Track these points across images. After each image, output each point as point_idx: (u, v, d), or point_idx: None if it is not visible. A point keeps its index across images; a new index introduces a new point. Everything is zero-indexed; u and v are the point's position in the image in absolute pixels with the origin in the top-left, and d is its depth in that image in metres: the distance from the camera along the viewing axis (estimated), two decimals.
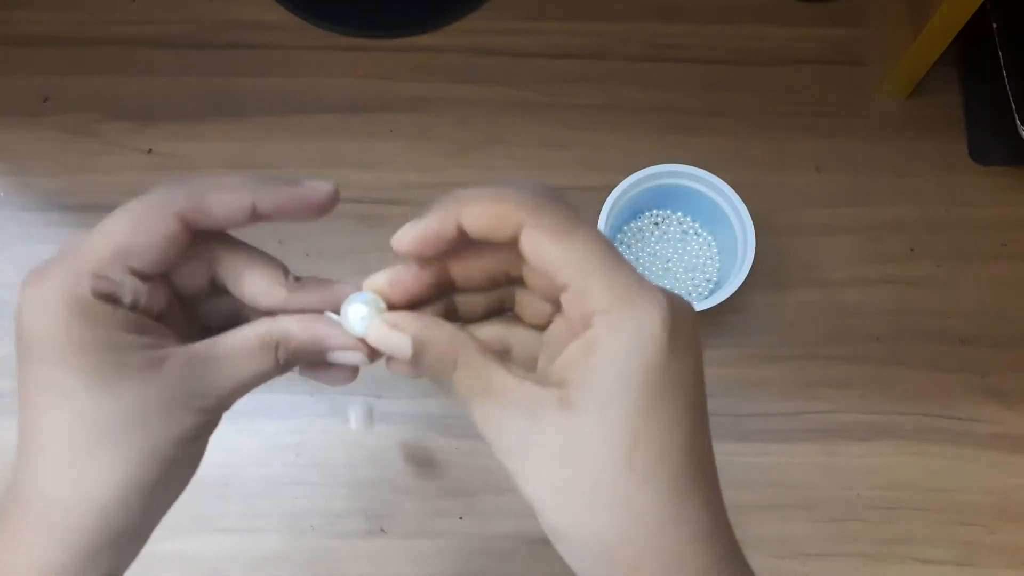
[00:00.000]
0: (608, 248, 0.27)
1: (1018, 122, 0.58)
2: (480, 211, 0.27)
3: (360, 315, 0.29)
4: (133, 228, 0.28)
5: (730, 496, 0.59)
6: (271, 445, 0.57)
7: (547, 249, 0.27)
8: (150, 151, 0.64)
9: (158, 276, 0.29)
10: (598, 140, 0.64)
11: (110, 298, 0.27)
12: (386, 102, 0.65)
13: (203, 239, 0.29)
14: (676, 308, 0.27)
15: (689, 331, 0.27)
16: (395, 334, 0.28)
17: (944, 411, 0.58)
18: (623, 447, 0.26)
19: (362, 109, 0.65)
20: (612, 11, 0.68)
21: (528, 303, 0.31)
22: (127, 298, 0.28)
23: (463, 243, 0.29)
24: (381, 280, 0.30)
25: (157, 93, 0.66)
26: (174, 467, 0.29)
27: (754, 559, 0.57)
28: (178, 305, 0.30)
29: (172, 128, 0.64)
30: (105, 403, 0.27)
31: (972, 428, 0.57)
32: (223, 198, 0.28)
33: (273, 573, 0.54)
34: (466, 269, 0.30)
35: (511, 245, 0.27)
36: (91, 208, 0.63)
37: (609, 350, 0.26)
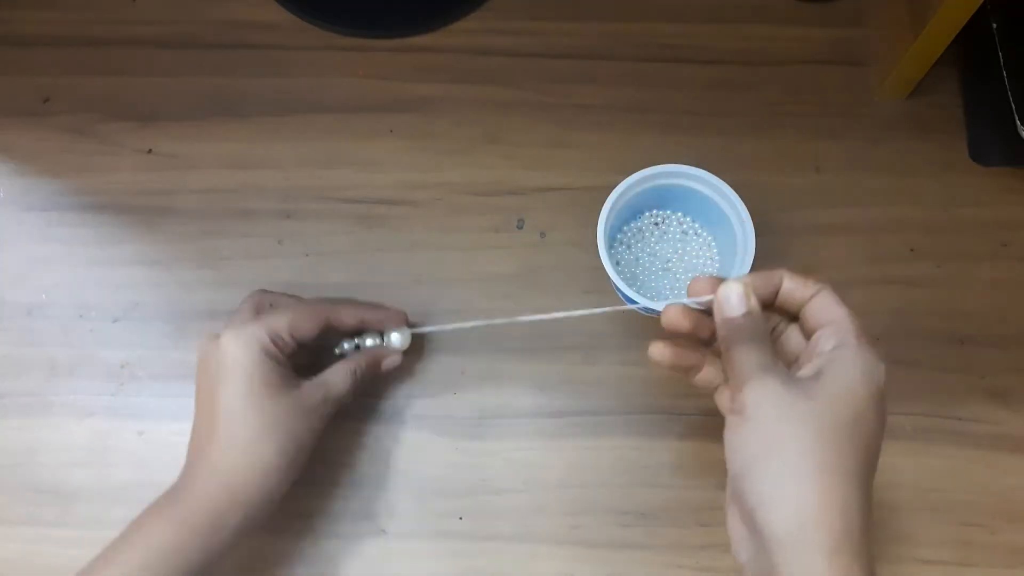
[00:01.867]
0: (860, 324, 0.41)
1: (1018, 122, 0.58)
2: (795, 278, 0.42)
3: None
4: (301, 317, 0.50)
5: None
6: None
7: (834, 302, 0.42)
8: (150, 151, 0.64)
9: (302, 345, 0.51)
10: (598, 140, 0.64)
11: (282, 350, 0.49)
12: (386, 102, 0.65)
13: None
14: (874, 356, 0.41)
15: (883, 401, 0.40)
16: (743, 297, 0.41)
17: (944, 411, 0.58)
18: (850, 417, 0.38)
19: (362, 109, 0.65)
20: (612, 11, 0.68)
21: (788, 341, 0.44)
22: (287, 351, 0.49)
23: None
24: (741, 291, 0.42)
25: (157, 93, 0.66)
26: (305, 448, 0.49)
27: None
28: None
29: (172, 128, 0.65)
30: (275, 407, 0.47)
31: (972, 428, 0.57)
32: (349, 311, 0.53)
33: (273, 573, 0.54)
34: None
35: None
36: (91, 208, 0.63)
37: (857, 362, 0.39)
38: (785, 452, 0.37)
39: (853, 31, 0.67)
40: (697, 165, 0.56)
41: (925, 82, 0.63)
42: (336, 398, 0.51)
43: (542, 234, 0.62)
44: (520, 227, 0.62)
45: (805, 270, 0.60)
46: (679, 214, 0.60)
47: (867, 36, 0.67)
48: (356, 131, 0.65)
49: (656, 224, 0.60)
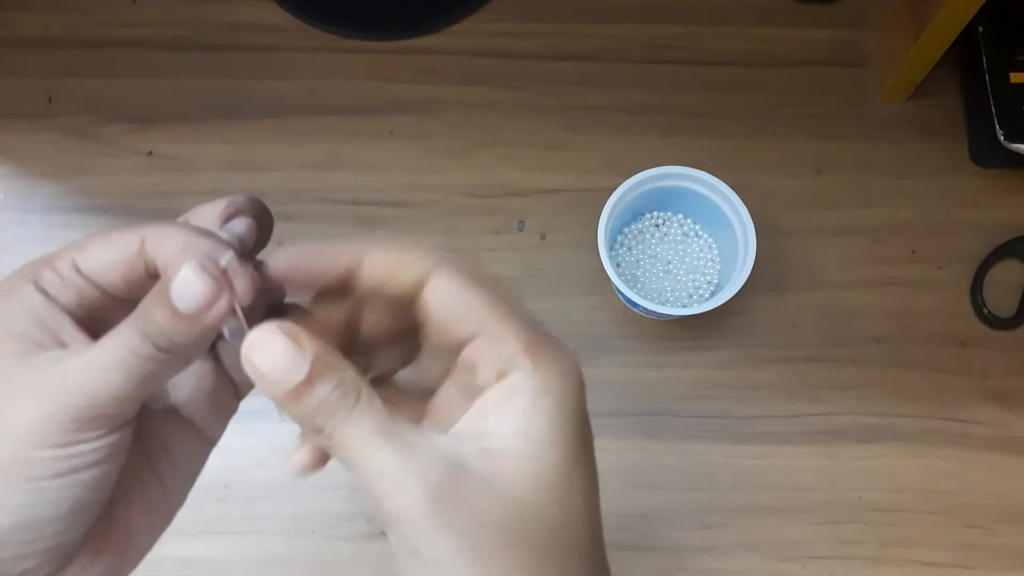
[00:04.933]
0: (517, 299, 0.26)
1: (997, 126, 0.58)
2: (385, 253, 0.26)
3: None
4: (97, 236, 0.27)
5: (731, 499, 0.60)
6: (271, 447, 0.57)
7: (459, 293, 0.25)
8: (150, 153, 0.64)
9: (119, 299, 0.27)
10: (598, 142, 0.64)
11: (47, 292, 0.27)
12: (386, 104, 0.65)
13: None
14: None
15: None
16: (292, 348, 0.24)
17: (945, 413, 0.58)
18: (555, 497, 0.24)
19: (362, 111, 0.65)
20: (612, 13, 0.68)
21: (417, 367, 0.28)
22: (67, 295, 0.27)
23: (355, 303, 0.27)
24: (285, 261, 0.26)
25: (157, 95, 0.66)
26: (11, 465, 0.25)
27: (755, 561, 0.57)
28: None
29: (172, 130, 0.64)
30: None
31: (973, 430, 0.57)
32: (173, 231, 0.28)
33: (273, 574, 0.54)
34: (369, 321, 0.28)
35: (400, 306, 0.26)
36: (91, 210, 0.63)
37: (536, 394, 0.24)
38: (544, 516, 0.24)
39: (854, 33, 0.67)
40: (698, 167, 0.56)
41: (926, 84, 0.63)
42: (97, 388, 0.25)
43: (543, 236, 0.62)
44: (521, 229, 0.62)
45: (806, 271, 0.61)
46: (680, 216, 0.60)
47: (868, 38, 0.67)
48: (356, 133, 0.65)
49: (657, 226, 0.60)
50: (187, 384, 0.29)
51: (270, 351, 0.24)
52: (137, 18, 0.68)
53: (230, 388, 0.30)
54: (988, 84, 0.59)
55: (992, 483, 0.56)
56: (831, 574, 0.55)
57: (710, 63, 0.66)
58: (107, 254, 0.27)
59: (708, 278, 0.59)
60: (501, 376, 0.25)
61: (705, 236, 0.60)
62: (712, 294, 0.58)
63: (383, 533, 0.55)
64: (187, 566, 0.55)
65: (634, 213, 0.59)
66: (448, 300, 0.25)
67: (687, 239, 0.60)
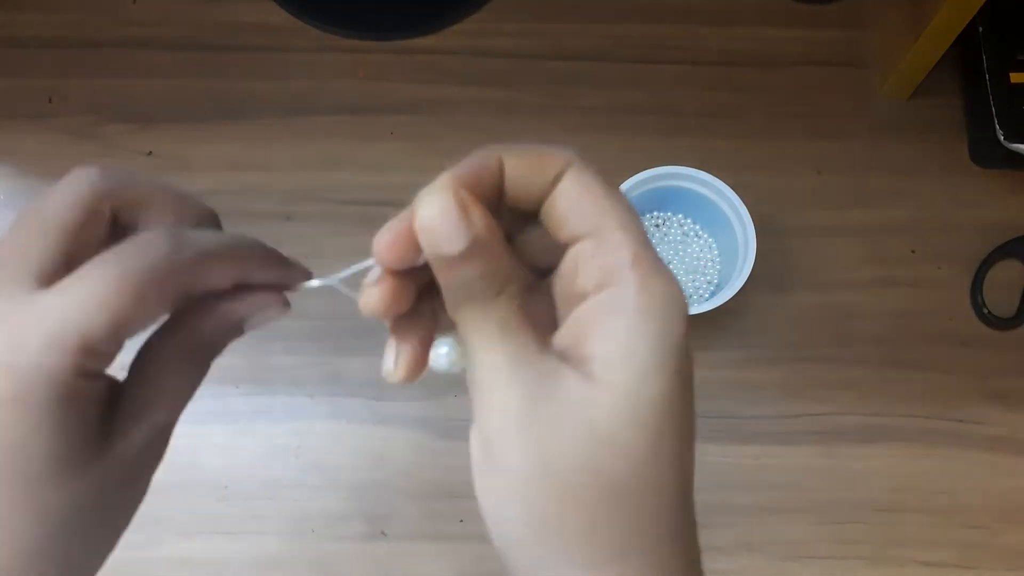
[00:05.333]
0: (637, 216, 0.25)
1: (997, 126, 0.58)
2: (524, 153, 0.25)
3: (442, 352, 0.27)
4: (130, 291, 0.24)
5: (732, 498, 0.60)
6: (271, 447, 0.57)
7: (583, 190, 0.24)
8: (151, 153, 0.64)
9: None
10: (599, 142, 0.64)
11: (95, 374, 0.25)
12: (387, 104, 0.65)
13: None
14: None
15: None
16: (458, 219, 0.23)
17: (945, 413, 0.58)
18: (646, 435, 0.23)
19: (363, 111, 0.65)
20: (613, 13, 0.68)
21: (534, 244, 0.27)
22: (106, 366, 0.25)
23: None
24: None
25: (158, 95, 0.66)
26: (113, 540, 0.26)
27: (756, 561, 0.57)
28: None
29: (173, 130, 0.64)
30: (62, 500, 0.24)
31: (973, 430, 0.57)
32: (221, 269, 0.27)
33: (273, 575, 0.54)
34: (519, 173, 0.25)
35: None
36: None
37: (641, 316, 0.23)
38: (551, 532, 0.23)
39: (854, 33, 0.67)
40: (698, 167, 0.56)
41: (926, 84, 0.63)
42: (160, 419, 0.26)
43: None
44: None
45: (806, 272, 0.61)
46: (680, 216, 0.60)
47: (868, 38, 0.67)
48: (357, 133, 0.64)
49: (657, 226, 0.60)
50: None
51: (438, 211, 0.23)
52: (137, 18, 0.68)
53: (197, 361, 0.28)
54: (988, 84, 0.59)
55: (992, 483, 0.56)
56: (831, 574, 0.55)
57: (710, 63, 0.66)
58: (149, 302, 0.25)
59: (708, 278, 0.59)
60: (601, 287, 0.24)
61: (705, 236, 0.60)
62: (712, 294, 0.58)
63: (383, 533, 0.55)
64: (187, 566, 0.55)
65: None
66: (571, 194, 0.24)
67: (687, 239, 0.60)
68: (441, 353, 0.27)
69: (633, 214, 0.25)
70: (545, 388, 0.23)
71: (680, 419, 0.23)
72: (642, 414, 0.23)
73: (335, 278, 0.29)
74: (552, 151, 0.25)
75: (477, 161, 0.25)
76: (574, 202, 0.24)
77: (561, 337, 0.25)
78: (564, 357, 0.24)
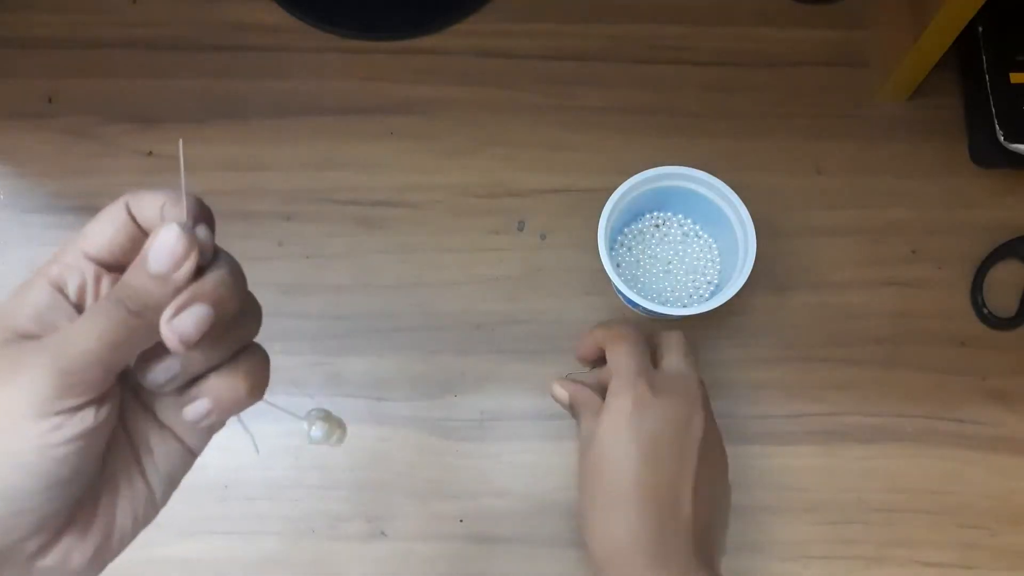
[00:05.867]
0: (639, 362, 0.48)
1: (997, 126, 0.58)
2: (608, 333, 0.50)
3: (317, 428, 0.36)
4: (93, 219, 0.30)
5: (732, 498, 0.59)
6: (271, 448, 0.57)
7: (618, 358, 0.49)
8: (150, 153, 0.64)
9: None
10: (598, 142, 0.64)
11: (58, 284, 0.29)
12: (386, 104, 0.65)
13: None
14: (657, 389, 0.47)
15: (667, 403, 0.47)
16: (563, 392, 0.51)
17: (945, 413, 0.58)
18: (622, 445, 0.46)
19: (362, 111, 0.65)
20: (612, 13, 0.68)
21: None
22: (73, 281, 0.29)
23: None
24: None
25: (157, 95, 0.66)
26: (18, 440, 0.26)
27: (756, 561, 0.57)
28: None
29: (172, 130, 0.64)
30: None
31: (973, 430, 0.57)
32: (152, 195, 0.30)
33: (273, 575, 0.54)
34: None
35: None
36: (91, 211, 0.62)
37: (606, 408, 0.47)
38: (601, 479, 0.46)
39: (854, 33, 0.67)
40: (698, 167, 0.56)
41: (926, 84, 0.63)
42: (80, 356, 0.27)
43: (543, 236, 0.62)
44: (521, 229, 0.62)
45: (806, 272, 0.61)
46: (680, 216, 0.60)
47: (868, 38, 0.67)
48: (356, 133, 0.65)
49: (657, 226, 0.60)
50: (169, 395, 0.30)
51: (560, 395, 0.52)
52: (137, 18, 0.68)
53: None
54: (988, 84, 0.59)
55: (992, 483, 0.56)
56: (831, 574, 0.55)
57: (710, 63, 0.66)
58: (103, 230, 0.29)
59: (708, 278, 0.59)
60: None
61: (705, 236, 0.60)
62: (712, 294, 0.58)
63: (383, 533, 0.55)
64: (187, 566, 0.55)
65: (634, 213, 0.59)
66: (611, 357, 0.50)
67: (687, 239, 0.60)
68: (315, 428, 0.35)
69: (633, 363, 0.48)
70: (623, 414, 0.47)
71: (630, 473, 0.46)
72: (603, 464, 0.46)
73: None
74: (613, 329, 0.50)
75: (589, 340, 0.52)
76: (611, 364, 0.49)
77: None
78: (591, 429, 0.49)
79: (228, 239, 0.64)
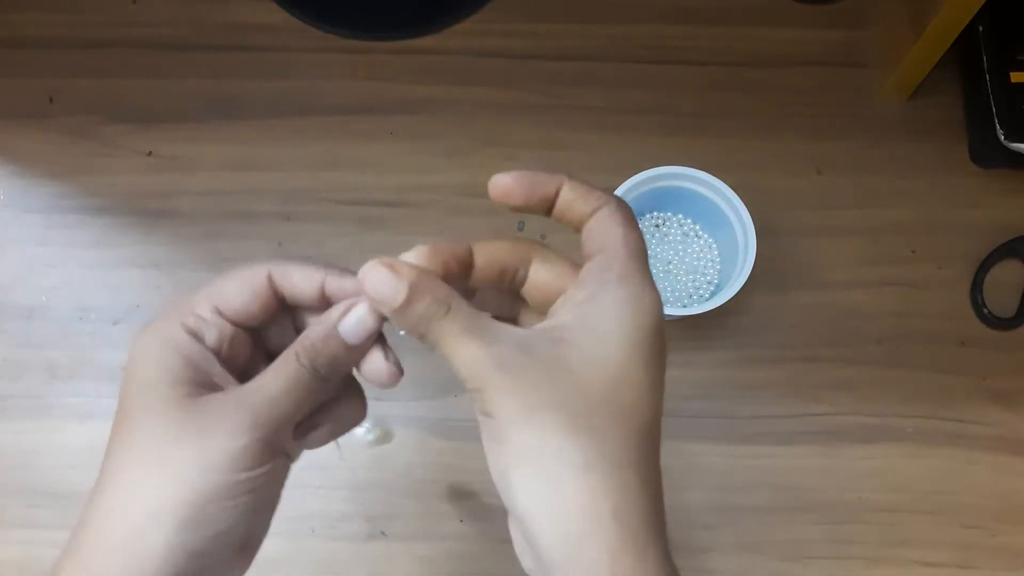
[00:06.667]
0: (645, 254, 0.32)
1: (997, 126, 0.58)
2: (578, 187, 0.33)
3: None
4: (226, 278, 0.32)
5: (732, 498, 0.60)
6: None
7: (606, 225, 0.32)
8: (150, 153, 0.64)
9: (247, 330, 0.33)
10: (598, 142, 0.64)
11: (204, 337, 0.31)
12: (386, 104, 0.65)
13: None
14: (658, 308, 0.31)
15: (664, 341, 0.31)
16: (392, 278, 0.30)
17: (945, 413, 0.58)
18: (607, 382, 0.29)
19: (362, 111, 0.65)
20: (612, 13, 0.68)
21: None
22: (215, 338, 0.31)
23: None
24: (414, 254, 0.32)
25: (158, 95, 0.66)
26: (217, 492, 0.29)
27: (755, 561, 0.57)
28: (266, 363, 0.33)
29: (173, 130, 0.64)
30: (167, 436, 0.29)
31: (973, 430, 0.57)
32: (302, 270, 0.32)
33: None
34: (490, 252, 0.33)
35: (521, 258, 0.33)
36: (91, 210, 0.63)
37: (616, 299, 0.30)
38: (534, 456, 0.28)
39: (854, 33, 0.67)
40: (698, 167, 0.56)
41: (926, 84, 0.63)
42: (267, 401, 0.30)
43: (543, 236, 0.62)
44: (521, 229, 0.62)
45: (806, 272, 0.61)
46: (680, 216, 0.60)
47: (868, 38, 0.67)
48: (356, 133, 0.65)
49: (657, 226, 0.60)
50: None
51: (376, 280, 0.30)
52: (137, 18, 0.68)
53: (308, 423, 0.34)
54: (988, 84, 0.59)
55: (992, 483, 0.56)
56: (831, 574, 0.55)
57: (710, 63, 0.66)
58: (242, 292, 0.32)
59: (708, 278, 0.59)
60: (596, 286, 0.30)
61: (705, 236, 0.60)
62: (712, 294, 0.58)
63: (383, 533, 0.55)
64: None
65: (634, 213, 0.59)
66: (602, 221, 0.32)
67: (687, 239, 0.60)
68: (364, 430, 0.37)
69: (642, 253, 0.31)
70: (515, 351, 0.29)
71: (638, 380, 0.29)
72: (606, 371, 0.29)
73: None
74: (595, 194, 0.33)
75: (545, 179, 0.35)
76: (598, 233, 0.32)
77: (548, 322, 0.31)
78: (543, 330, 0.30)
79: (228, 239, 0.64)
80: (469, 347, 0.29)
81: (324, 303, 0.32)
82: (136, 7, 0.68)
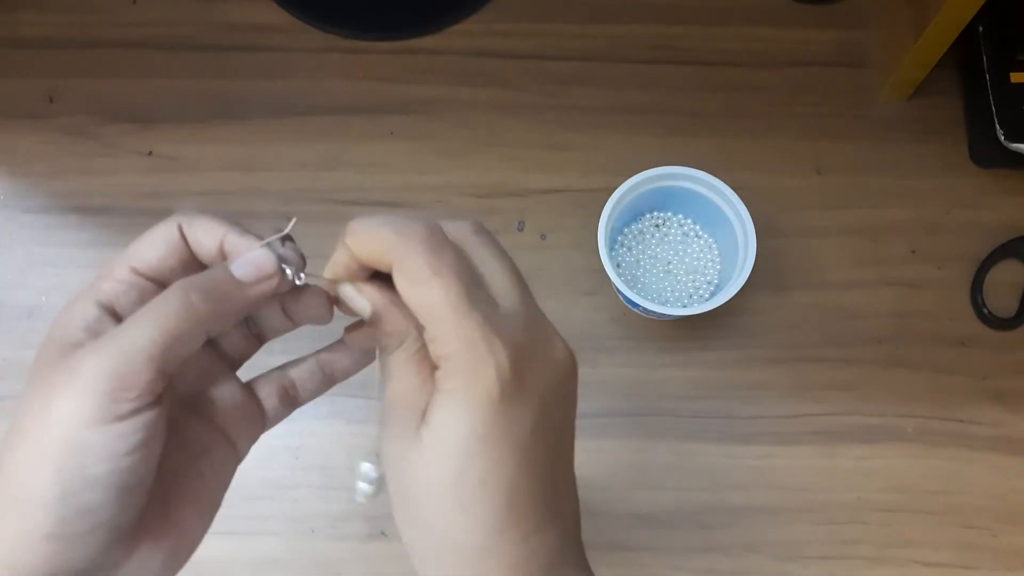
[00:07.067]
0: (464, 296, 0.28)
1: (997, 126, 0.58)
2: (362, 244, 0.31)
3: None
4: (141, 237, 0.30)
5: (732, 498, 0.60)
6: (271, 448, 0.56)
7: (407, 293, 0.29)
8: (150, 153, 0.64)
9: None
10: (599, 142, 0.64)
11: (105, 304, 0.29)
12: (386, 104, 0.65)
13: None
14: (526, 358, 0.28)
15: (540, 380, 0.28)
16: (360, 299, 0.31)
17: (945, 413, 0.58)
18: (447, 480, 0.28)
19: (362, 111, 0.65)
20: (612, 13, 0.68)
21: None
22: (130, 296, 0.29)
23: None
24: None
25: (157, 95, 0.66)
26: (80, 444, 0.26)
27: (755, 562, 0.57)
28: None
29: (172, 130, 0.64)
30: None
31: (973, 430, 0.57)
32: (206, 223, 0.30)
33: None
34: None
35: None
36: (91, 210, 0.63)
37: (446, 393, 0.28)
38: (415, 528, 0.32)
39: (854, 33, 0.67)
40: (698, 167, 0.56)
41: (926, 84, 0.63)
42: (133, 355, 0.27)
43: (543, 236, 0.62)
44: (521, 229, 0.62)
45: (806, 272, 0.61)
46: (680, 216, 0.60)
47: (868, 38, 0.67)
48: (356, 133, 0.65)
49: (657, 226, 0.60)
50: (221, 398, 0.33)
51: (352, 299, 0.31)
52: (137, 18, 0.68)
53: (258, 411, 0.34)
54: (988, 84, 0.59)
55: (992, 483, 0.56)
56: (831, 574, 0.55)
57: (710, 63, 0.66)
58: (155, 247, 0.30)
59: (708, 278, 0.59)
60: (437, 366, 0.29)
61: (705, 236, 0.60)
62: (712, 294, 0.58)
63: (383, 534, 0.55)
64: (187, 566, 0.54)
65: (634, 213, 0.59)
66: (403, 295, 0.29)
67: (687, 239, 0.60)
68: (367, 482, 0.37)
69: (452, 294, 0.28)
70: (409, 428, 0.29)
71: (484, 462, 0.28)
72: (439, 466, 0.28)
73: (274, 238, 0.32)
74: (380, 245, 0.30)
75: (339, 256, 0.32)
76: (406, 301, 0.29)
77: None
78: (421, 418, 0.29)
79: None
80: (395, 390, 0.31)
81: (224, 260, 0.30)
82: (136, 7, 0.68)
